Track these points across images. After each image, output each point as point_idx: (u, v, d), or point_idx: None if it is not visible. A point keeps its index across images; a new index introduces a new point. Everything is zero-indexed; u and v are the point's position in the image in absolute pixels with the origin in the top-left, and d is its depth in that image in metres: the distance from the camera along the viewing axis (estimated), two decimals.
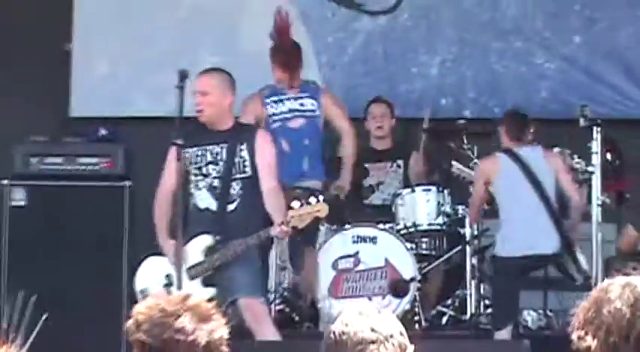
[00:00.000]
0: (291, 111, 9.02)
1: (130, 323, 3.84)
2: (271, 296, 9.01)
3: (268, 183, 7.92)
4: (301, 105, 8.92)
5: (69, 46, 10.63)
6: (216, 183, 8.02)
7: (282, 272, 9.37)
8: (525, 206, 8.77)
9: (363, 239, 9.07)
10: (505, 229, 8.79)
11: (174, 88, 7.55)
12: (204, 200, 8.00)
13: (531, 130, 9.05)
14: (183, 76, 7.61)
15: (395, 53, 10.54)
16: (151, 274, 8.07)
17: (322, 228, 9.11)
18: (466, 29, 10.50)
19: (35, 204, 9.48)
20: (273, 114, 9.18)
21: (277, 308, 9.12)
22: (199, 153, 8.03)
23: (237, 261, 7.83)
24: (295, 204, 7.69)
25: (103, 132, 9.90)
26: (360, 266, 9.03)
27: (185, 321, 3.85)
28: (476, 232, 9.43)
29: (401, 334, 3.56)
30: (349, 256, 9.04)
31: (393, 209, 9.39)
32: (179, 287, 7.77)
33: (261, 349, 8.14)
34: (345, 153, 8.95)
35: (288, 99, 9.26)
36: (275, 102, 8.85)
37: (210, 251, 7.88)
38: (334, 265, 8.99)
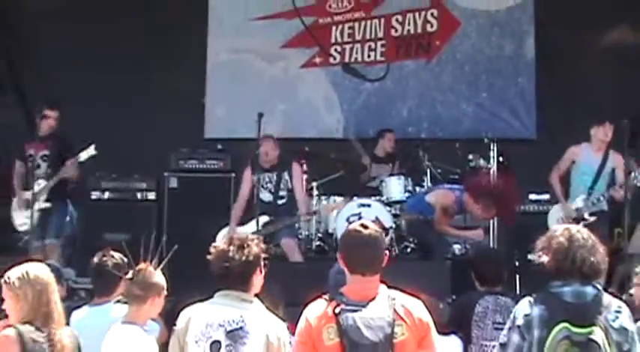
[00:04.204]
0: None
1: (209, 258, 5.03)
2: (313, 237, 11.22)
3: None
4: None
5: (204, 99, 13.19)
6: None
7: (318, 225, 11.24)
8: None
9: (363, 205, 10.98)
10: None
11: (255, 123, 9.93)
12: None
13: None
14: (260, 116, 9.89)
15: (383, 102, 13.28)
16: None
17: (341, 199, 11.03)
18: (423, 90, 13.20)
19: (182, 186, 11.46)
20: None
21: (316, 243, 11.20)
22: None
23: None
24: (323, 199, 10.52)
25: (219, 146, 11.99)
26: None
27: (230, 251, 4.97)
28: None
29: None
30: (355, 215, 10.75)
31: (380, 189, 11.43)
32: None
33: (292, 267, 10.02)
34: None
35: None
36: None
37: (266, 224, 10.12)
38: (347, 219, 10.68)
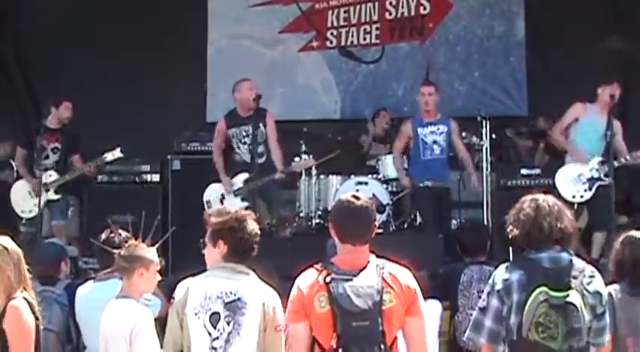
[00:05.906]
0: None
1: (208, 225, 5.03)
2: (313, 214, 11.03)
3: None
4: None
5: (205, 85, 13.41)
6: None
7: (318, 203, 11.11)
8: None
9: (360, 183, 10.97)
10: None
11: None
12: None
13: None
14: (258, 97, 9.92)
15: (379, 83, 13.44)
16: (213, 192, 10.22)
17: (340, 177, 11.04)
18: (417, 70, 13.17)
19: (185, 168, 11.31)
20: None
21: (316, 221, 11.01)
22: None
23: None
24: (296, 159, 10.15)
25: None
26: None
27: (247, 224, 5.01)
28: None
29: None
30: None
31: (377, 167, 11.41)
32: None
33: (291, 241, 10.00)
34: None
35: None
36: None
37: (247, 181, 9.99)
38: None
